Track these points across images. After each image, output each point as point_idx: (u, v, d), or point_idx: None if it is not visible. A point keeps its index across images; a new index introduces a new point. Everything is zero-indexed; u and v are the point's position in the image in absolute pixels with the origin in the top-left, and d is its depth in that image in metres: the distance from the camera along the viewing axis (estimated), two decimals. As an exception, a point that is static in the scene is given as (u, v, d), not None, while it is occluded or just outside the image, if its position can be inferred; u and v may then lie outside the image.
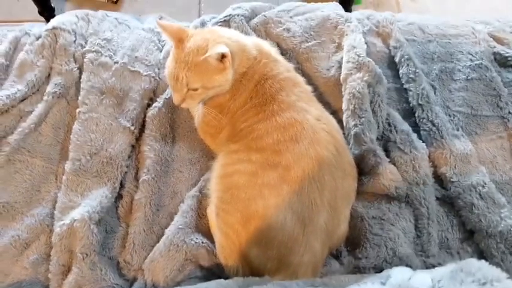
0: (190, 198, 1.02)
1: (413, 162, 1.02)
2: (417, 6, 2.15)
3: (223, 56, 0.91)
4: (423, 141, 1.06)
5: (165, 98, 1.13)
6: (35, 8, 2.03)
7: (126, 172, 1.06)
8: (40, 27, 1.25)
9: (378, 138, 1.05)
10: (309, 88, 1.02)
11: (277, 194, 0.85)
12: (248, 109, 0.97)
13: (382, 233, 0.95)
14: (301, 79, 1.02)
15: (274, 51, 1.05)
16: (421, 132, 1.08)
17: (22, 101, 1.13)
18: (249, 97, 0.97)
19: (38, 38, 1.21)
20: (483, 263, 0.66)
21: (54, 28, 1.20)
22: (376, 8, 2.11)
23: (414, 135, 1.06)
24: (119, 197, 1.05)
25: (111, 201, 1.01)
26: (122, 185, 1.06)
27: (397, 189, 0.99)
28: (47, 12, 2.04)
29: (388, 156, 1.03)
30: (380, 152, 1.02)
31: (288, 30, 1.21)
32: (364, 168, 1.02)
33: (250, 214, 0.87)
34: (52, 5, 2.07)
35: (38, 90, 1.15)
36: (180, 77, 0.93)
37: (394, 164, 1.02)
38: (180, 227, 0.98)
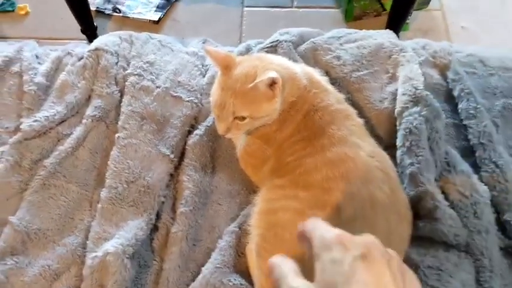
0: (228, 234, 0.96)
1: (474, 207, 0.92)
2: (467, 34, 2.06)
3: (273, 83, 0.85)
4: (485, 184, 0.97)
5: (207, 126, 1.08)
6: (78, 27, 2.05)
7: (163, 202, 1.01)
8: (83, 47, 1.23)
9: (435, 179, 0.96)
10: (361, 121, 0.95)
11: None
12: (295, 141, 0.90)
13: (440, 285, 0.86)
14: (352, 111, 0.96)
15: (324, 80, 0.99)
16: (482, 173, 0.99)
17: (61, 123, 1.10)
18: (297, 129, 0.91)
19: (80, 59, 1.18)
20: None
21: (96, 49, 1.17)
22: (425, 35, 2.03)
23: (475, 177, 0.97)
24: (155, 228, 0.99)
25: (146, 233, 0.96)
26: (158, 216, 1.00)
27: (456, 236, 0.90)
28: (89, 30, 2.06)
29: (446, 199, 0.94)
30: (438, 194, 0.93)
31: (338, 58, 1.14)
32: (419, 211, 0.93)
33: (295, 257, 0.79)
34: (95, 23, 2.09)
35: (77, 112, 1.12)
36: (227, 105, 0.88)
37: (454, 209, 0.93)
38: (217, 265, 0.91)
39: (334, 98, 0.94)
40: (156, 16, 2.24)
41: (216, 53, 0.92)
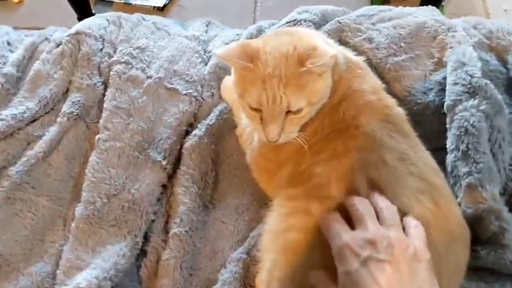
0: (234, 262, 0.76)
1: (553, 228, 0.71)
2: (510, 17, 1.83)
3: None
4: None
5: (208, 125, 0.88)
6: (75, 15, 1.88)
7: (153, 221, 0.82)
8: (63, 31, 1.04)
9: (500, 193, 0.75)
10: (400, 112, 0.74)
11: None
12: (317, 141, 0.71)
13: (509, 334, 0.66)
14: (392, 102, 0.75)
15: (362, 62, 0.79)
16: (559, 184, 0.78)
17: (31, 122, 0.91)
18: (321, 125, 0.71)
19: (58, 45, 0.99)
20: None
21: (77, 33, 0.98)
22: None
23: (550, 189, 0.76)
24: (142, 253, 0.80)
25: (130, 260, 0.77)
26: (146, 238, 0.81)
27: (529, 268, 0.69)
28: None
29: None
30: (506, 213, 0.72)
31: (370, 40, 0.93)
32: (481, 235, 0.72)
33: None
34: (93, 11, 1.92)
35: (52, 109, 0.93)
36: (278, 99, 0.66)
37: (525, 231, 0.72)
38: (219, 304, 0.72)
39: (371, 85, 0.74)
40: (160, 2, 2.07)
41: (231, 50, 0.69)
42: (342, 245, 0.56)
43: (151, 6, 2.06)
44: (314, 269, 0.61)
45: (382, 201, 0.62)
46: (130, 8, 2.06)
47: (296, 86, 0.66)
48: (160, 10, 2.05)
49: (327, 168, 0.67)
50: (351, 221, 0.61)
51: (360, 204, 0.61)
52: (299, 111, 0.67)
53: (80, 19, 1.87)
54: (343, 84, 0.72)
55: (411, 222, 0.61)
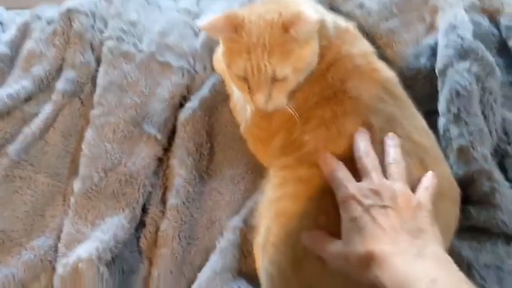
0: (231, 230, 0.78)
1: (544, 186, 0.73)
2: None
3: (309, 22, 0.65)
4: (554, 157, 0.77)
5: (201, 97, 0.88)
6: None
7: (150, 193, 0.83)
8: (55, 10, 1.03)
9: (491, 154, 0.75)
10: (390, 74, 0.74)
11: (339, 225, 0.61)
12: (308, 109, 0.71)
13: (501, 289, 0.68)
14: (381, 66, 0.75)
15: (353, 27, 0.79)
16: (549, 144, 0.79)
17: (27, 101, 0.91)
18: (311, 91, 0.71)
19: (50, 23, 0.99)
20: None
21: (69, 11, 0.98)
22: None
23: (542, 149, 0.76)
24: (141, 224, 0.82)
25: (129, 232, 0.78)
26: (144, 210, 0.82)
27: (521, 226, 0.71)
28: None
29: (506, 178, 0.75)
30: (497, 173, 0.73)
31: (361, 5, 0.92)
32: (472, 195, 0.73)
33: (303, 252, 0.62)
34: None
35: (47, 87, 0.93)
36: (263, 67, 0.66)
37: (516, 190, 0.73)
38: (217, 270, 0.73)
39: (360, 50, 0.74)
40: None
41: (215, 21, 0.68)
42: (348, 195, 0.58)
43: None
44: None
45: (392, 153, 0.63)
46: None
47: (281, 54, 0.66)
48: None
49: (314, 136, 0.68)
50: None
51: (367, 158, 0.62)
52: (285, 78, 0.68)
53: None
54: (332, 50, 0.72)
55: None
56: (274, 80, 0.67)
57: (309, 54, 0.68)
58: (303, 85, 0.71)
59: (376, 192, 0.58)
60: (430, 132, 0.72)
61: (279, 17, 0.66)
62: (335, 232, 0.60)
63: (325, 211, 0.62)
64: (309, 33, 0.66)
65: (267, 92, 0.68)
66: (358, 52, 0.72)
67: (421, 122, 0.71)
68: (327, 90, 0.70)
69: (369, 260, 0.53)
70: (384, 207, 0.56)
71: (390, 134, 0.65)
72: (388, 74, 0.73)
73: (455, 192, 0.69)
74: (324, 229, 0.61)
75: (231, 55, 0.69)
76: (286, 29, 0.65)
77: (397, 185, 0.60)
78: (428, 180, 0.62)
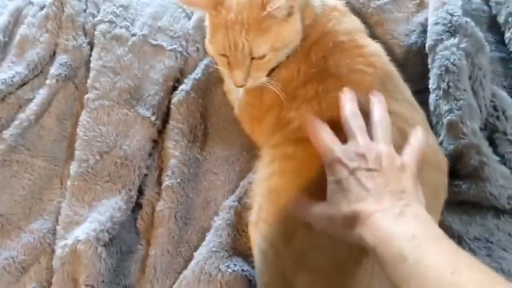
0: (226, 210, 0.79)
1: (532, 160, 0.74)
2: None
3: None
4: (543, 130, 0.78)
5: (194, 79, 0.89)
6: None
7: (146, 175, 0.84)
8: (46, -6, 1.03)
9: (480, 128, 0.77)
10: (373, 48, 0.73)
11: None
12: (296, 87, 0.72)
13: (491, 262, 0.69)
14: (364, 41, 0.74)
15: (341, 5, 0.79)
16: (539, 118, 0.80)
17: (21, 86, 0.92)
18: (296, 68, 0.72)
19: (42, 8, 0.99)
20: None
21: (60, -5, 0.98)
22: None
23: (530, 123, 0.78)
24: (138, 206, 0.83)
25: (126, 213, 0.80)
26: (141, 192, 0.83)
27: (510, 199, 0.73)
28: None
29: (495, 153, 0.76)
30: (486, 147, 0.74)
31: (352, -16, 0.93)
32: (462, 170, 0.75)
33: (293, 226, 0.64)
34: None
35: (41, 72, 0.94)
36: (240, 45, 0.68)
37: (505, 164, 0.75)
38: (213, 249, 0.75)
39: (344, 27, 0.73)
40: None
41: None
42: (333, 159, 0.58)
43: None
44: None
45: (377, 113, 0.63)
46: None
47: (258, 31, 0.67)
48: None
49: (298, 113, 0.69)
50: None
51: (353, 120, 0.62)
52: (263, 56, 0.69)
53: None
54: (317, 29, 0.72)
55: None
56: (252, 57, 0.68)
57: (288, 33, 0.69)
58: (287, 63, 0.72)
59: (361, 155, 0.58)
60: (414, 103, 0.72)
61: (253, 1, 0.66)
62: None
63: (312, 185, 0.63)
64: (286, 10, 0.66)
65: (245, 69, 0.69)
66: (342, 29, 0.72)
67: (404, 93, 0.71)
68: (312, 69, 0.70)
69: (353, 220, 0.54)
70: (369, 169, 0.57)
71: (374, 91, 0.65)
72: (372, 48, 0.73)
73: (441, 161, 0.70)
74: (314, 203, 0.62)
75: (213, 30, 0.71)
76: (263, 6, 0.65)
77: (382, 146, 0.60)
78: (415, 139, 0.62)
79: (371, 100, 0.64)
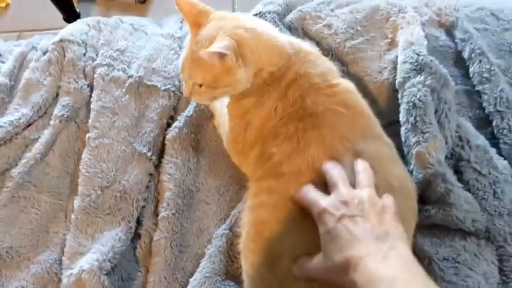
0: (218, 238, 0.85)
1: (493, 186, 0.80)
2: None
3: (222, 55, 0.72)
4: (505, 159, 0.84)
5: (187, 116, 0.96)
6: (61, 15, 1.94)
7: (143, 207, 0.91)
8: (49, 39, 1.11)
9: (446, 157, 0.84)
10: (345, 87, 0.80)
11: (306, 230, 0.68)
12: (276, 125, 0.78)
13: (458, 280, 0.75)
14: (337, 81, 0.81)
15: (315, 51, 0.85)
16: (501, 146, 0.87)
17: (27, 127, 0.99)
18: (273, 107, 0.78)
19: (45, 53, 1.07)
20: None
21: (61, 40, 1.06)
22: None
23: (493, 151, 0.84)
24: (137, 236, 0.90)
25: (126, 243, 0.86)
26: (139, 223, 0.90)
27: (474, 222, 0.78)
28: (72, 18, 1.95)
29: (460, 180, 0.82)
30: (450, 176, 0.80)
31: (329, 26, 1.01)
32: (430, 196, 0.81)
33: (277, 255, 0.70)
34: (77, 10, 1.97)
35: (45, 113, 1.01)
36: (185, 68, 0.79)
37: (469, 190, 0.81)
38: (207, 274, 0.81)
39: (318, 70, 0.80)
40: (142, -5, 2.11)
41: (188, 5, 0.79)
42: (321, 211, 0.64)
43: (133, 0, 2.11)
44: (279, 238, 0.70)
45: (360, 165, 0.70)
46: (112, 4, 2.08)
47: (196, 65, 0.77)
48: (142, 3, 2.09)
49: (279, 149, 0.76)
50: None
51: (333, 170, 0.69)
52: (200, 85, 0.78)
53: (65, 19, 1.94)
54: (292, 70, 0.78)
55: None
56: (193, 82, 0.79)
57: (225, 79, 0.76)
58: (262, 102, 0.79)
59: (344, 203, 0.64)
60: (382, 136, 0.78)
61: (216, 34, 0.74)
62: (305, 240, 0.68)
63: (292, 218, 0.70)
64: (217, 58, 0.72)
65: (188, 88, 0.80)
66: (316, 72, 0.79)
67: (372, 128, 0.78)
68: (290, 108, 0.77)
69: (346, 266, 0.59)
70: (353, 216, 0.63)
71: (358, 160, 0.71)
72: (344, 85, 0.80)
73: (409, 187, 0.76)
74: (292, 234, 0.69)
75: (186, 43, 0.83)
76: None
77: (364, 192, 0.66)
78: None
79: (355, 161, 0.71)
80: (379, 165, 0.73)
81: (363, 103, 0.80)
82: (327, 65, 0.83)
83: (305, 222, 0.68)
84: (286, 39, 0.82)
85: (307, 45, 0.85)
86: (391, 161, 0.77)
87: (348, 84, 0.81)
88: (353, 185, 0.69)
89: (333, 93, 0.78)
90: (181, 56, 0.81)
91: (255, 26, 0.80)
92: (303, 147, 0.74)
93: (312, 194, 0.68)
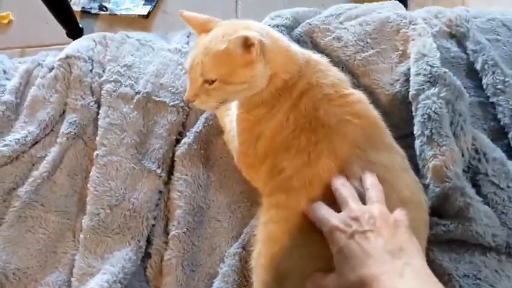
0: (231, 256, 0.83)
1: (513, 200, 0.79)
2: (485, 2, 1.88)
3: (248, 42, 0.71)
4: (523, 171, 0.83)
5: (196, 132, 0.95)
6: (63, 30, 1.94)
7: (153, 225, 0.89)
8: (54, 56, 1.10)
9: (463, 170, 0.82)
10: (356, 97, 0.80)
11: (314, 244, 0.68)
12: (288, 138, 0.77)
13: (479, 298, 0.73)
14: (349, 91, 0.80)
15: (325, 61, 0.85)
16: (518, 158, 0.85)
17: (34, 144, 0.98)
18: (284, 118, 0.77)
19: (51, 70, 1.06)
20: None
21: (67, 57, 1.04)
22: (436, 2, 1.85)
23: (510, 164, 0.83)
24: (147, 255, 0.87)
25: (136, 263, 0.84)
26: (149, 242, 0.88)
27: (494, 237, 0.77)
28: (75, 33, 1.95)
29: (478, 193, 0.80)
30: (469, 189, 0.79)
31: (339, 39, 1.00)
32: (448, 210, 0.80)
33: (286, 271, 0.69)
34: (80, 25, 1.97)
35: (52, 130, 1.00)
36: (195, 63, 0.75)
37: (488, 204, 0.80)
38: (220, 295, 0.79)
39: (330, 80, 0.79)
40: (145, 10, 2.12)
41: (195, 18, 0.80)
42: (332, 228, 0.63)
43: (136, 14, 2.11)
44: (289, 253, 0.69)
45: (369, 180, 0.69)
46: (115, 19, 2.10)
47: (213, 58, 0.73)
48: (145, 17, 2.10)
49: (290, 163, 0.74)
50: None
51: (343, 188, 0.68)
52: (211, 83, 0.75)
53: (68, 34, 1.93)
54: (303, 80, 0.78)
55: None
56: (204, 80, 0.75)
57: (244, 74, 0.74)
58: (273, 113, 0.78)
59: (355, 219, 0.63)
60: (394, 146, 0.78)
61: (233, 30, 0.73)
62: (313, 253, 0.67)
63: (301, 231, 0.69)
64: (239, 49, 0.72)
65: (195, 89, 0.76)
66: (328, 82, 0.78)
67: (384, 139, 0.78)
68: (302, 119, 0.76)
69: (361, 286, 0.57)
70: (364, 232, 0.61)
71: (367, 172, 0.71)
72: (356, 96, 0.79)
73: (420, 199, 0.75)
74: (301, 249, 0.68)
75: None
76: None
77: (375, 207, 0.65)
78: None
79: (364, 176, 0.70)
80: (392, 175, 0.72)
81: (375, 113, 0.80)
82: (338, 75, 0.82)
83: (314, 236, 0.67)
84: (297, 48, 0.82)
85: (317, 56, 0.84)
86: (403, 171, 0.76)
87: (359, 95, 0.80)
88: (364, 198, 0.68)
89: (346, 104, 0.77)
90: (189, 56, 0.78)
91: (268, 30, 0.80)
92: (314, 160, 0.73)
93: (322, 211, 0.67)
